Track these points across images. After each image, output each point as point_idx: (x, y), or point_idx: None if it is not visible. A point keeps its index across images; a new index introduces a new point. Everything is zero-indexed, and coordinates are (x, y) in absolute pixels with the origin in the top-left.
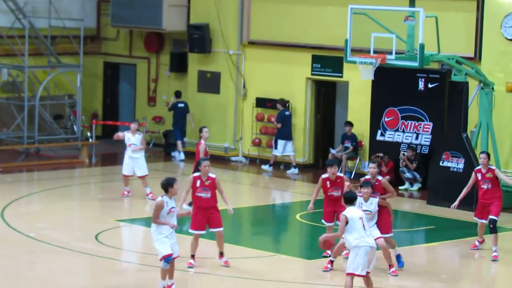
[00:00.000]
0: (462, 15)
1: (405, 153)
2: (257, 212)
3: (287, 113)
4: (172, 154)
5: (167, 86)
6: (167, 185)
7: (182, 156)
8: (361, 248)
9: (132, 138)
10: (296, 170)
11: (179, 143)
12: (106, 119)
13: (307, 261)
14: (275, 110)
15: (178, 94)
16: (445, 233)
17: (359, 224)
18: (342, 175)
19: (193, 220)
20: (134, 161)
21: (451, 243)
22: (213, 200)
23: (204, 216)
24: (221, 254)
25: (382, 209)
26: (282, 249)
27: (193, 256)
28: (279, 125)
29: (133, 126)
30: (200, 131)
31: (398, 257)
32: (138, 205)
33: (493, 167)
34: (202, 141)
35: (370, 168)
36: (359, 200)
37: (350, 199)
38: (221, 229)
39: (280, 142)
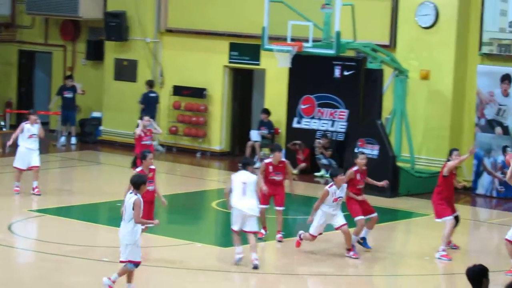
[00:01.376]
0: (378, 3)
1: (320, 141)
2: (173, 200)
3: (151, 94)
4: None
5: (83, 74)
6: (140, 183)
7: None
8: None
9: (32, 129)
10: (162, 148)
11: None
12: (21, 108)
13: (223, 249)
14: (193, 98)
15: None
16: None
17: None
18: (284, 160)
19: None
20: (31, 153)
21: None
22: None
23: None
24: None
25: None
26: (198, 237)
27: None
28: (142, 106)
29: (33, 117)
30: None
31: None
32: (52, 195)
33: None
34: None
35: (362, 160)
36: (333, 188)
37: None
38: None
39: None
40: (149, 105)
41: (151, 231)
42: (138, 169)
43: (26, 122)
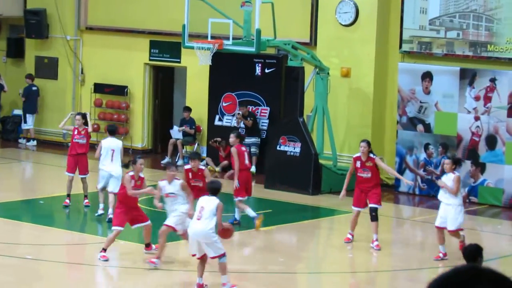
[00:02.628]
0: (298, 0)
1: (240, 112)
2: (93, 197)
3: (33, 88)
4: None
5: (4, 71)
6: (219, 189)
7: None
8: None
9: None
10: (34, 142)
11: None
12: None
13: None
14: (114, 95)
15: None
16: (282, 216)
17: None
18: (203, 167)
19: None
20: None
21: (288, 226)
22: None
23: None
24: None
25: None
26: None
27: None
28: (23, 99)
29: None
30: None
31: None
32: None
33: (374, 156)
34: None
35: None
36: (163, 183)
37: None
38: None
39: (29, 116)
40: (31, 98)
41: (70, 228)
42: (130, 173)
43: None
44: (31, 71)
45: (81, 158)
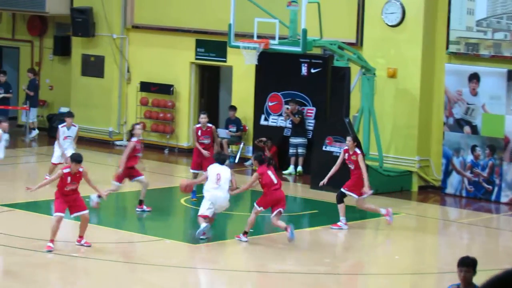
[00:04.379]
0: (344, 1)
1: (288, 107)
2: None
3: (36, 82)
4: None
5: (50, 69)
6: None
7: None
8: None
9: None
10: (37, 131)
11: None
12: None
13: (192, 246)
14: (160, 94)
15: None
16: (328, 217)
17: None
18: (211, 125)
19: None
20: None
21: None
22: None
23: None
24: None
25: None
26: (167, 233)
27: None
28: (31, 93)
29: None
30: (132, 128)
31: None
32: (21, 189)
33: (359, 152)
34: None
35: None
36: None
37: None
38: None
39: (33, 110)
40: (35, 92)
41: (121, 227)
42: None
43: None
44: (78, 69)
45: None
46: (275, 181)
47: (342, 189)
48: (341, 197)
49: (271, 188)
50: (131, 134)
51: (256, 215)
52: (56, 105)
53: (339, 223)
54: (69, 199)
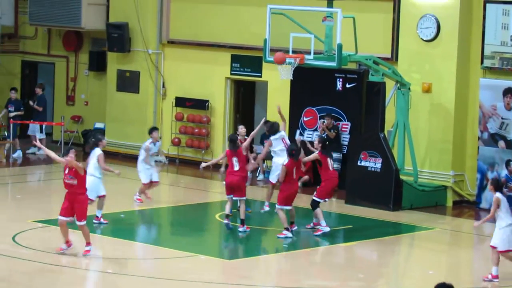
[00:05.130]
0: (379, 16)
1: (324, 121)
2: (176, 212)
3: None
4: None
5: (86, 85)
6: None
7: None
8: None
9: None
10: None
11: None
12: (24, 118)
13: (226, 262)
14: (195, 109)
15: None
16: (363, 232)
17: None
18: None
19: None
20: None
21: (368, 242)
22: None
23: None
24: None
25: None
26: (201, 249)
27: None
28: (40, 109)
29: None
30: (150, 132)
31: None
32: (56, 206)
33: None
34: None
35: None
36: None
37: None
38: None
39: (42, 126)
40: (44, 108)
41: (154, 243)
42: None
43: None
44: (113, 85)
45: None
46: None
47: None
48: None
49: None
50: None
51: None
52: (91, 121)
53: (320, 227)
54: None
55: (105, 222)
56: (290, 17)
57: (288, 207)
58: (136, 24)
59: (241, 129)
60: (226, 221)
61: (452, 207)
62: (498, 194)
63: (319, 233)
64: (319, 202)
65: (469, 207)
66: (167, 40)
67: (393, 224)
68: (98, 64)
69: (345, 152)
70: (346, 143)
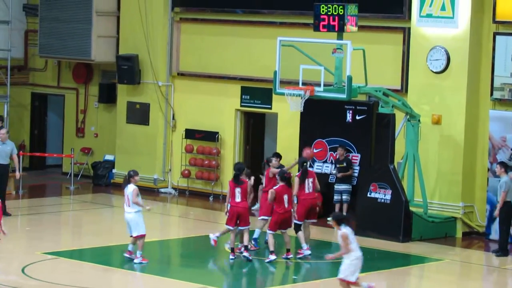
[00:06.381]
0: (389, 47)
1: (337, 153)
2: (186, 244)
3: None
4: None
5: (95, 117)
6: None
7: None
8: None
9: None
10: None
11: None
12: (34, 150)
13: None
14: (205, 141)
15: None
16: (372, 263)
17: None
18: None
19: None
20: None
21: (378, 273)
22: None
23: None
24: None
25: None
26: (211, 281)
27: None
28: None
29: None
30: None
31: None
32: (65, 238)
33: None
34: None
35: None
36: None
37: None
38: None
39: None
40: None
41: (162, 274)
42: None
43: None
44: (123, 117)
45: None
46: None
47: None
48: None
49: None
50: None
51: None
52: (101, 153)
53: (302, 250)
54: None
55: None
56: (300, 49)
57: (281, 232)
58: (146, 56)
59: (275, 161)
60: (245, 254)
61: (462, 238)
62: (344, 229)
63: (300, 255)
64: (299, 225)
65: (478, 238)
66: (177, 72)
67: (403, 256)
68: (108, 96)
69: (354, 183)
70: (356, 174)
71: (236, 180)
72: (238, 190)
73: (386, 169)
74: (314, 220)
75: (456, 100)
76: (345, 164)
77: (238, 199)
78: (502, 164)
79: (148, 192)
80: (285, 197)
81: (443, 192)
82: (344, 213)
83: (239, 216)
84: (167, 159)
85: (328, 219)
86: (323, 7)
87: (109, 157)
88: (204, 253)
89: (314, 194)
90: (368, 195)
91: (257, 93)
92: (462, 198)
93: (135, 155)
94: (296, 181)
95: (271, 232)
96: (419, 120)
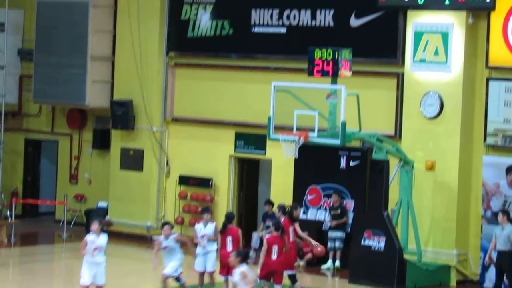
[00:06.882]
0: (383, 93)
1: (331, 199)
2: None
3: None
4: None
5: (89, 163)
6: None
7: None
8: None
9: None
10: None
11: None
12: (27, 197)
13: None
14: (199, 187)
15: None
16: None
17: None
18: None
19: None
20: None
21: None
22: None
23: None
24: None
25: None
26: None
27: None
28: None
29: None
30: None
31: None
32: (58, 286)
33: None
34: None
35: None
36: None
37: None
38: None
39: None
40: None
41: None
42: None
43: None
44: (117, 163)
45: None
46: None
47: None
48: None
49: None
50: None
51: None
52: (94, 199)
53: None
54: None
55: None
56: (294, 94)
57: (273, 282)
58: (140, 102)
59: (297, 211)
60: None
61: (456, 287)
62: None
63: None
64: (294, 275)
65: (472, 287)
66: (171, 117)
67: None
68: (102, 142)
69: (348, 231)
70: (350, 221)
71: (223, 229)
72: (229, 238)
73: (380, 216)
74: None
75: (449, 146)
76: (339, 211)
77: (229, 248)
78: (505, 212)
79: (142, 239)
80: (275, 247)
81: (437, 239)
82: (338, 261)
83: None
84: (161, 206)
85: (322, 266)
86: (317, 52)
87: (102, 204)
88: None
89: (296, 243)
90: (362, 242)
91: (251, 138)
92: (456, 245)
93: (128, 202)
94: (264, 243)
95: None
96: (412, 166)
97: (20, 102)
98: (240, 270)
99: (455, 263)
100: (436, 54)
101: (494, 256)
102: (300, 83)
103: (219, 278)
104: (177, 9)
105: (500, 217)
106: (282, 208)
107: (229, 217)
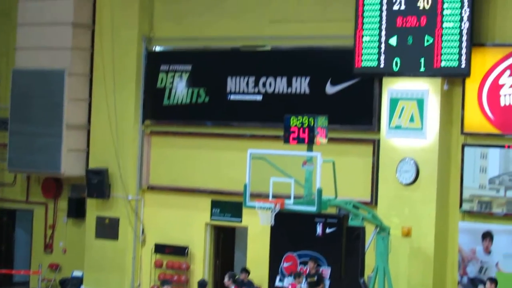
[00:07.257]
0: (359, 159)
1: (306, 267)
2: None
3: None
4: None
5: (64, 232)
6: None
7: None
8: None
9: None
10: None
11: None
12: (1, 267)
13: None
14: (174, 256)
15: None
16: None
17: None
18: None
19: None
20: None
21: None
22: None
23: None
24: None
25: None
26: None
27: None
28: None
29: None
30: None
31: None
32: None
33: None
34: None
35: None
36: None
37: None
38: None
39: None
40: None
41: None
42: None
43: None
44: (92, 232)
45: None
46: None
47: None
48: None
49: None
50: None
51: None
52: (69, 269)
53: None
54: None
55: None
56: (270, 162)
57: None
58: (116, 170)
59: (243, 275)
60: None
61: None
62: None
63: None
64: None
65: None
66: (147, 185)
67: None
68: (77, 211)
69: None
70: None
71: None
72: None
73: (357, 282)
74: None
75: (425, 212)
76: (316, 278)
77: None
78: (492, 280)
79: None
80: None
81: None
82: None
83: None
84: (136, 274)
85: None
86: (293, 119)
87: (77, 273)
88: None
89: None
90: None
91: (227, 206)
92: None
93: (103, 271)
94: None
95: None
96: (389, 233)
97: None
98: None
99: None
100: (412, 121)
101: None
102: (276, 150)
103: None
104: (153, 77)
105: (488, 285)
106: (232, 276)
107: (202, 284)
